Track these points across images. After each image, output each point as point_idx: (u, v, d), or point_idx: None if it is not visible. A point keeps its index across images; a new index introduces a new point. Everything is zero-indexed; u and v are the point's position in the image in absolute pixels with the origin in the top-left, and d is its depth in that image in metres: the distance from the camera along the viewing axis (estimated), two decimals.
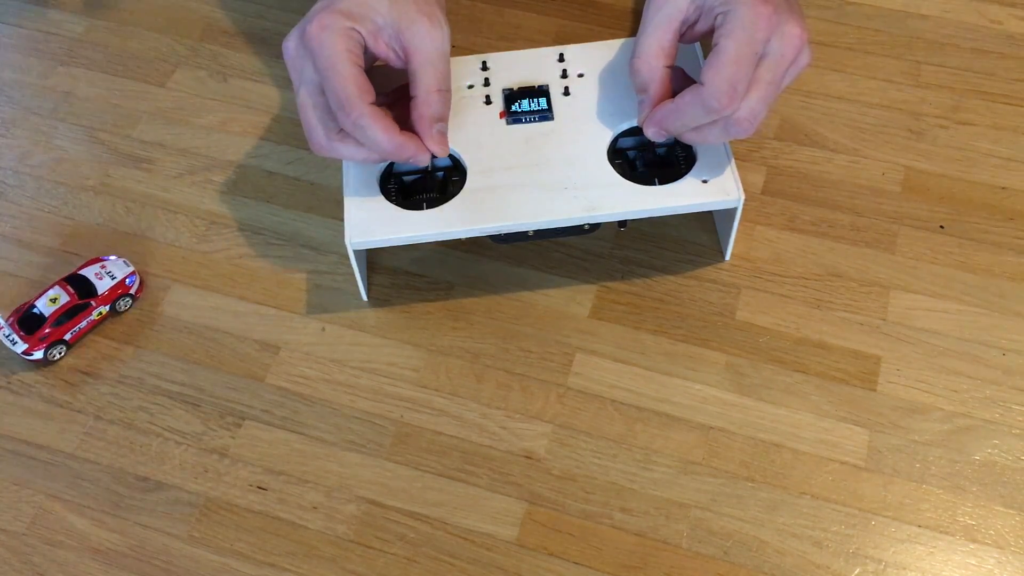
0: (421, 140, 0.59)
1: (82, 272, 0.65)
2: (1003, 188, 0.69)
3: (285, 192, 0.71)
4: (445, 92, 0.59)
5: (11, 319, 0.63)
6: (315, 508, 0.59)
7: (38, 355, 0.62)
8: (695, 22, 0.58)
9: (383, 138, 0.57)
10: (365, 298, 0.66)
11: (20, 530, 0.59)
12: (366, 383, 0.63)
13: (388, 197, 0.62)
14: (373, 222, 0.61)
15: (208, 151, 0.73)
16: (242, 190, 0.71)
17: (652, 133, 0.59)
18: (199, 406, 0.62)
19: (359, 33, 0.57)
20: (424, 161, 0.60)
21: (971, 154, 0.71)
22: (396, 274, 0.67)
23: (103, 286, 0.64)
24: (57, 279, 0.64)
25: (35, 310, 0.62)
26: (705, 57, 0.57)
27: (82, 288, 0.63)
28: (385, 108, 0.60)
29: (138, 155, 0.73)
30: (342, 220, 0.61)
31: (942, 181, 0.69)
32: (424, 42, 0.58)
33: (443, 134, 0.60)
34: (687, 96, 0.57)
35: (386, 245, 0.61)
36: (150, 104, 0.76)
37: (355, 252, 0.61)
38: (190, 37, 0.80)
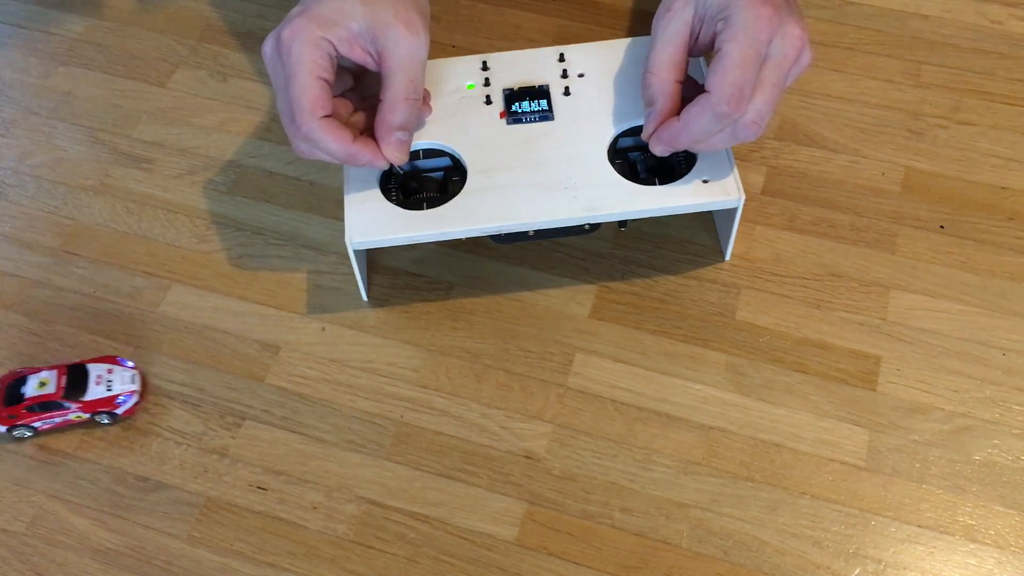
0: (376, 146, 0.59)
1: (88, 366, 0.61)
2: (1003, 188, 0.69)
3: (285, 192, 0.71)
4: (413, 101, 0.58)
5: (1, 384, 0.61)
6: (315, 508, 0.59)
7: (2, 429, 0.60)
8: (699, 32, 0.58)
9: (335, 148, 0.57)
10: (365, 298, 0.66)
11: (20, 530, 0.59)
12: (366, 383, 0.63)
13: (388, 197, 0.62)
14: (373, 222, 0.61)
15: (208, 151, 0.73)
16: (242, 190, 0.71)
17: (660, 150, 0.59)
18: (199, 406, 0.62)
19: (329, 42, 0.57)
20: (381, 166, 0.60)
21: (971, 154, 0.71)
22: (396, 274, 0.67)
23: (94, 392, 0.60)
24: (63, 363, 0.61)
25: (22, 387, 0.60)
26: (708, 65, 0.57)
27: (76, 382, 0.60)
28: (362, 113, 0.60)
29: (138, 155, 0.73)
30: (342, 220, 0.61)
31: (942, 181, 0.69)
32: (398, 48, 0.57)
33: (402, 142, 0.59)
34: (693, 109, 0.56)
35: (386, 245, 0.61)
36: (150, 104, 0.76)
37: (355, 252, 0.61)
38: (190, 37, 0.80)
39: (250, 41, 0.79)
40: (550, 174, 0.61)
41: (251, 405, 0.62)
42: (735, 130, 0.57)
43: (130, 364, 0.62)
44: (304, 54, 0.56)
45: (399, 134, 0.59)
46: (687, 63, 0.60)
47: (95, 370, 0.61)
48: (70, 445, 0.61)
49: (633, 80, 0.64)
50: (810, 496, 0.58)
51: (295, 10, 0.58)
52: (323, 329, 0.65)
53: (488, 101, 0.65)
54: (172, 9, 0.82)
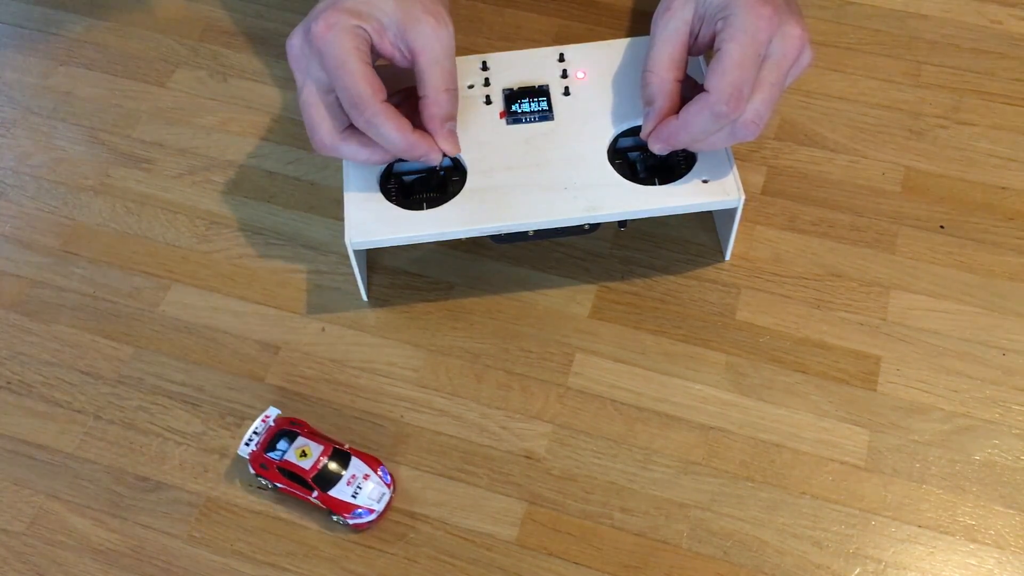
0: (433, 139, 0.59)
1: (353, 459, 0.58)
2: (1003, 188, 0.69)
3: (285, 192, 0.71)
4: (453, 91, 0.59)
5: (274, 427, 0.59)
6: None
7: (251, 470, 0.58)
8: (699, 32, 0.58)
9: (396, 136, 0.57)
10: (365, 298, 0.66)
11: (20, 530, 0.59)
12: (366, 383, 0.63)
13: (388, 197, 0.62)
14: (373, 222, 0.61)
15: (208, 151, 0.73)
16: (242, 190, 0.71)
17: (658, 148, 0.59)
18: (199, 406, 0.62)
19: (365, 31, 0.57)
20: (436, 160, 0.60)
21: (971, 154, 0.71)
22: (396, 274, 0.67)
23: (340, 491, 0.57)
24: (338, 443, 0.58)
25: (288, 443, 0.58)
26: (707, 65, 0.57)
27: (332, 470, 0.57)
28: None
29: (138, 155, 0.73)
30: (342, 220, 0.61)
31: (942, 181, 0.69)
32: (430, 41, 0.58)
33: (454, 132, 0.60)
34: (692, 108, 0.56)
35: (386, 245, 0.61)
36: (150, 104, 0.76)
37: (355, 252, 0.62)
38: (190, 37, 0.80)
39: (250, 41, 0.79)
40: (550, 174, 0.61)
41: (251, 405, 0.62)
42: (734, 130, 0.57)
43: (388, 479, 0.58)
44: (347, 42, 0.56)
45: (449, 124, 0.59)
46: (686, 62, 0.60)
47: (354, 468, 0.57)
48: (70, 445, 0.61)
49: (633, 80, 0.64)
50: (810, 496, 0.58)
51: (321, 4, 0.58)
52: (323, 329, 0.65)
53: (488, 101, 0.65)
54: (172, 9, 0.82)
